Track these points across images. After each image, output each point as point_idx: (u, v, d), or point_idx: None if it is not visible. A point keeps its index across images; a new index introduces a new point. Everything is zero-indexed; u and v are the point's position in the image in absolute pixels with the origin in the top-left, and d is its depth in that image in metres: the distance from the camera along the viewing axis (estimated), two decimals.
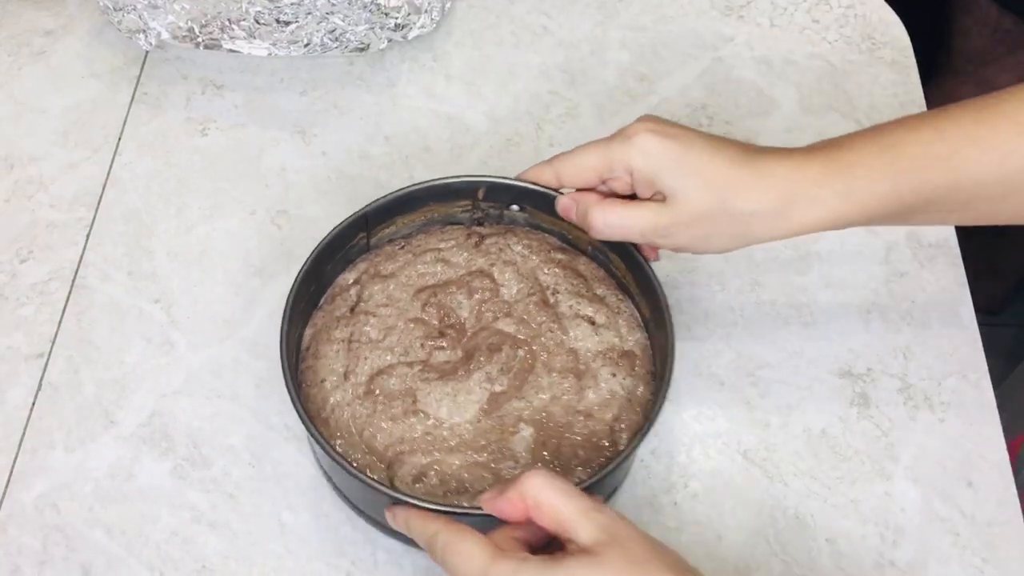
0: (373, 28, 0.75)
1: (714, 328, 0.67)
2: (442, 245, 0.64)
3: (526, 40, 0.80)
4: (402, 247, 0.64)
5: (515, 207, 0.64)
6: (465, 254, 0.63)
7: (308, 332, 0.61)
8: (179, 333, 0.67)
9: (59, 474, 0.62)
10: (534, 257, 0.63)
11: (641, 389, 0.59)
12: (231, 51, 0.74)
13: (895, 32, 0.79)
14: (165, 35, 0.74)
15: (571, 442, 0.57)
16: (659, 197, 0.55)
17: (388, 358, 0.59)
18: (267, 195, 0.73)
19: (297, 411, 0.55)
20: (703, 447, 0.63)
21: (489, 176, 0.63)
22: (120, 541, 0.60)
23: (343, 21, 0.74)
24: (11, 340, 0.67)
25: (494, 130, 0.76)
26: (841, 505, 0.61)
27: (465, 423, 0.57)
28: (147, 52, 0.79)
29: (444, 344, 0.60)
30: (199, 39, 0.74)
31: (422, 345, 0.60)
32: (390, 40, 0.75)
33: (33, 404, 0.65)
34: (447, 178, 0.63)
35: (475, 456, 0.56)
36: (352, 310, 0.61)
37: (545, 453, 0.56)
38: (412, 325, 0.60)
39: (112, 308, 0.68)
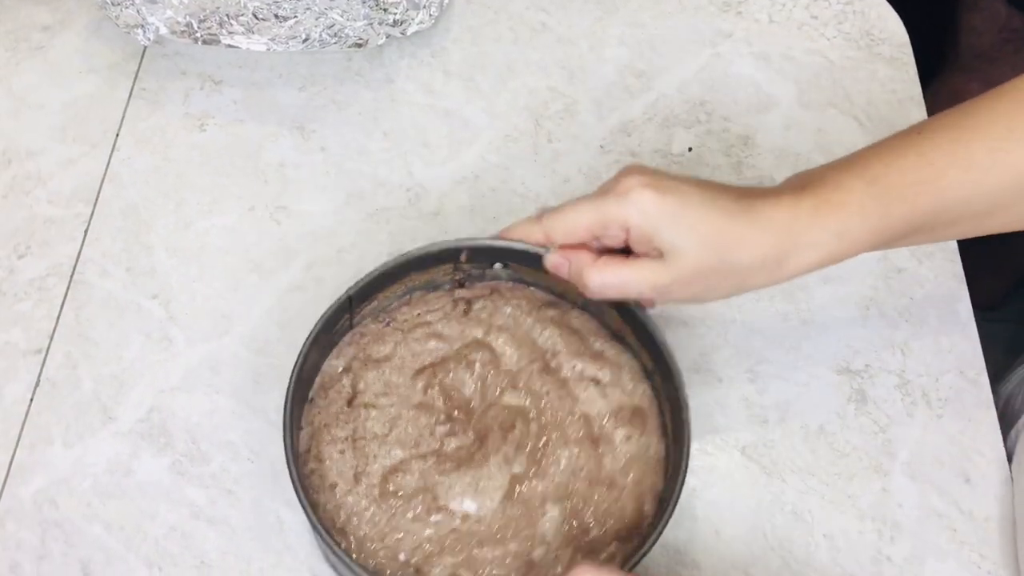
0: (371, 24, 0.75)
1: (712, 324, 0.67)
2: (430, 318, 0.61)
3: (524, 36, 0.80)
4: (387, 324, 0.61)
5: (498, 265, 0.62)
6: (456, 325, 0.61)
7: (305, 431, 0.58)
8: (177, 329, 0.67)
9: (57, 469, 0.62)
10: (527, 318, 0.61)
11: (654, 446, 0.58)
12: (229, 46, 0.74)
13: (893, 28, 0.79)
14: (163, 30, 0.74)
15: (598, 515, 0.55)
16: (655, 253, 0.53)
17: (398, 453, 0.57)
18: (266, 191, 0.73)
19: (315, 527, 0.52)
20: (701, 443, 0.63)
21: (471, 240, 0.60)
22: (119, 537, 0.60)
23: (342, 16, 0.74)
24: (9, 336, 0.67)
25: (492, 126, 0.76)
26: (839, 501, 0.61)
27: (491, 513, 0.55)
28: (145, 47, 0.79)
29: (454, 429, 0.58)
30: (197, 34, 0.74)
31: (431, 433, 0.57)
32: (388, 36, 0.75)
33: (31, 399, 0.65)
34: (429, 247, 0.59)
35: (506, 547, 0.54)
36: (350, 403, 0.58)
37: (575, 531, 0.55)
38: (417, 413, 0.58)
39: (110, 304, 0.68)
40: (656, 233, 0.52)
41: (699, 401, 0.63)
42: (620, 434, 0.57)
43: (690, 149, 0.74)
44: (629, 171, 0.54)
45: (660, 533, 0.53)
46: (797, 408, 0.64)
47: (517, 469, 0.56)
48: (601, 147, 0.74)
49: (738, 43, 0.79)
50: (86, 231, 0.71)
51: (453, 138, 0.75)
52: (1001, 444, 0.63)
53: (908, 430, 0.63)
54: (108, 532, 0.60)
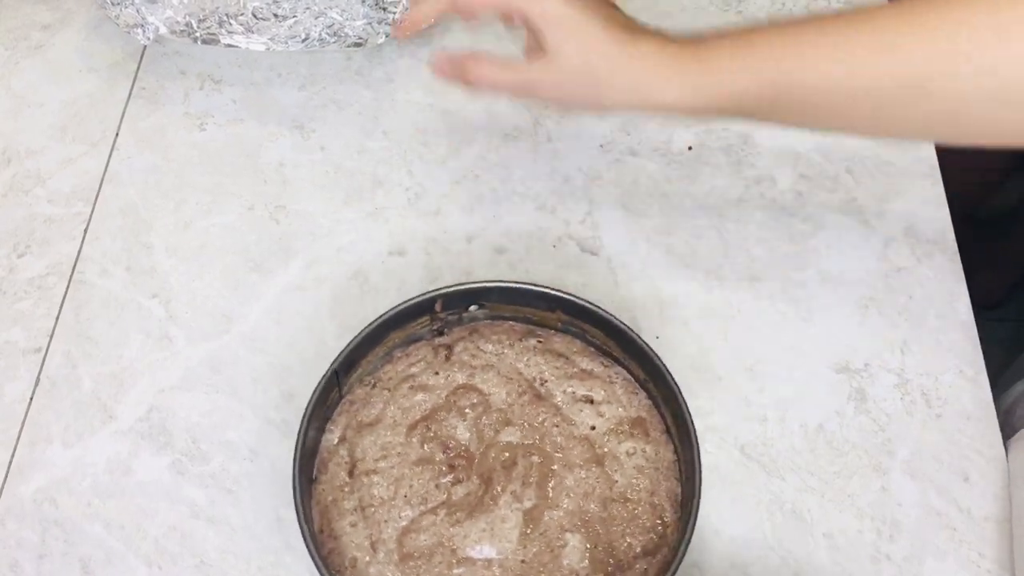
0: (371, 23, 0.75)
1: (712, 322, 0.67)
2: (413, 370, 0.61)
3: (523, 34, 0.80)
4: (373, 386, 0.61)
5: (473, 307, 0.62)
6: (440, 373, 0.61)
7: (315, 511, 0.57)
8: (177, 328, 0.67)
9: (57, 468, 0.62)
10: (509, 351, 0.61)
11: (661, 451, 0.58)
12: (229, 46, 0.74)
13: None
14: (163, 30, 0.74)
15: (619, 533, 0.56)
16: (540, 55, 0.58)
17: (408, 513, 0.56)
18: (265, 190, 0.73)
19: None
20: (700, 442, 0.62)
21: (442, 288, 0.61)
22: (118, 535, 0.60)
23: (341, 16, 0.74)
24: (9, 334, 0.67)
25: (492, 125, 0.75)
26: (838, 500, 0.61)
27: (512, 554, 0.55)
28: (145, 47, 0.79)
29: (458, 476, 0.57)
30: (196, 34, 0.74)
31: (436, 486, 0.57)
32: (388, 35, 0.75)
33: (31, 398, 0.65)
34: (402, 304, 0.60)
35: None
36: (351, 473, 0.58)
37: (600, 554, 0.55)
38: (419, 469, 0.58)
39: (110, 303, 0.68)
40: (547, 30, 0.57)
41: (698, 400, 0.63)
42: (624, 448, 0.58)
43: (690, 148, 0.74)
44: None
45: (689, 540, 0.53)
46: (796, 407, 0.64)
47: (528, 504, 0.56)
48: (601, 146, 0.74)
49: None
50: (86, 230, 0.71)
51: (452, 137, 0.75)
52: (1000, 443, 0.63)
53: (907, 429, 0.63)
54: (108, 531, 0.60)
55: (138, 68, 0.79)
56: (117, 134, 0.76)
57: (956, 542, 0.59)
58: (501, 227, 0.71)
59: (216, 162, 0.74)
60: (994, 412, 0.64)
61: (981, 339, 0.66)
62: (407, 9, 0.75)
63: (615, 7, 0.59)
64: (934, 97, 0.51)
